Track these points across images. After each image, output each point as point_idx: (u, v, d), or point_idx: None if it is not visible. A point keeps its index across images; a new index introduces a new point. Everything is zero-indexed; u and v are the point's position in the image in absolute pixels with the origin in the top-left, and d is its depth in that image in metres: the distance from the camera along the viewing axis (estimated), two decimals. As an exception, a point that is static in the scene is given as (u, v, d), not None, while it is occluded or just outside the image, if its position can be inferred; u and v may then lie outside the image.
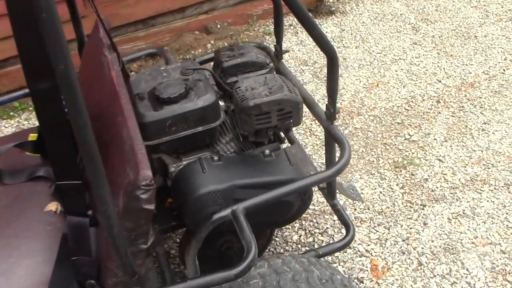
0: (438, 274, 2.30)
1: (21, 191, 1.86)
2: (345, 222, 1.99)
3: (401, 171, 2.80)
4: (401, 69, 3.53)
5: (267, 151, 1.89)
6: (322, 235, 2.51)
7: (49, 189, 1.77)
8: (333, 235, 2.49)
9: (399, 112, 3.18)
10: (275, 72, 2.01)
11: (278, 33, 2.13)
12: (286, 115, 1.82)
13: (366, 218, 2.57)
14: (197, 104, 1.77)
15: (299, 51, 3.74)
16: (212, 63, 2.13)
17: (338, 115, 1.78)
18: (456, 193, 2.65)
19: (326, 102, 1.81)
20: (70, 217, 1.59)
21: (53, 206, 1.83)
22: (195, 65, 1.96)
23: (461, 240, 2.43)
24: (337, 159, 1.78)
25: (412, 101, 3.26)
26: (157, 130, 1.76)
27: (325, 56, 1.64)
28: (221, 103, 1.96)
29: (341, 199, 2.59)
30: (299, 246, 2.49)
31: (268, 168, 1.86)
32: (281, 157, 1.90)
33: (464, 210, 2.56)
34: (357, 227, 2.53)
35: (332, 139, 1.84)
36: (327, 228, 2.53)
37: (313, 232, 2.53)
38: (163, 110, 1.75)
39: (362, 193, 2.70)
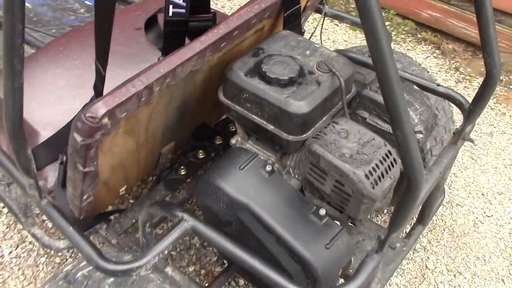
0: None
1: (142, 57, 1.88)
2: None
3: None
4: None
5: (322, 211, 1.44)
6: None
7: None
8: None
9: None
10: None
11: (475, 110, 1.45)
12: (342, 194, 1.30)
13: None
14: (280, 100, 1.40)
15: None
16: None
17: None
18: None
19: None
20: None
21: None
22: (343, 68, 1.51)
23: None
24: None
25: None
26: (233, 93, 1.49)
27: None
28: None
29: None
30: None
31: (301, 227, 1.43)
32: (328, 231, 1.42)
33: None
34: None
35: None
36: None
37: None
38: (250, 80, 1.45)
39: None
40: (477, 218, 2.40)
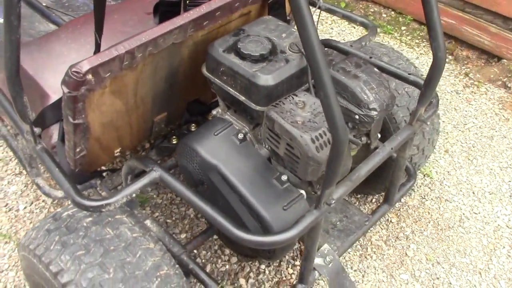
0: None
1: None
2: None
3: None
4: None
5: (284, 177, 1.60)
6: None
7: None
8: None
9: None
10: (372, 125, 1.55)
11: (427, 93, 1.57)
12: (292, 156, 1.46)
13: None
14: (250, 73, 1.57)
15: None
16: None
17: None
18: None
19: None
20: None
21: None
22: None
23: None
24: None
25: None
26: (213, 67, 1.67)
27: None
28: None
29: None
30: None
31: (263, 189, 1.59)
32: (287, 195, 1.58)
33: None
34: None
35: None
36: None
37: None
38: (227, 55, 1.62)
39: None
40: (463, 214, 2.47)
